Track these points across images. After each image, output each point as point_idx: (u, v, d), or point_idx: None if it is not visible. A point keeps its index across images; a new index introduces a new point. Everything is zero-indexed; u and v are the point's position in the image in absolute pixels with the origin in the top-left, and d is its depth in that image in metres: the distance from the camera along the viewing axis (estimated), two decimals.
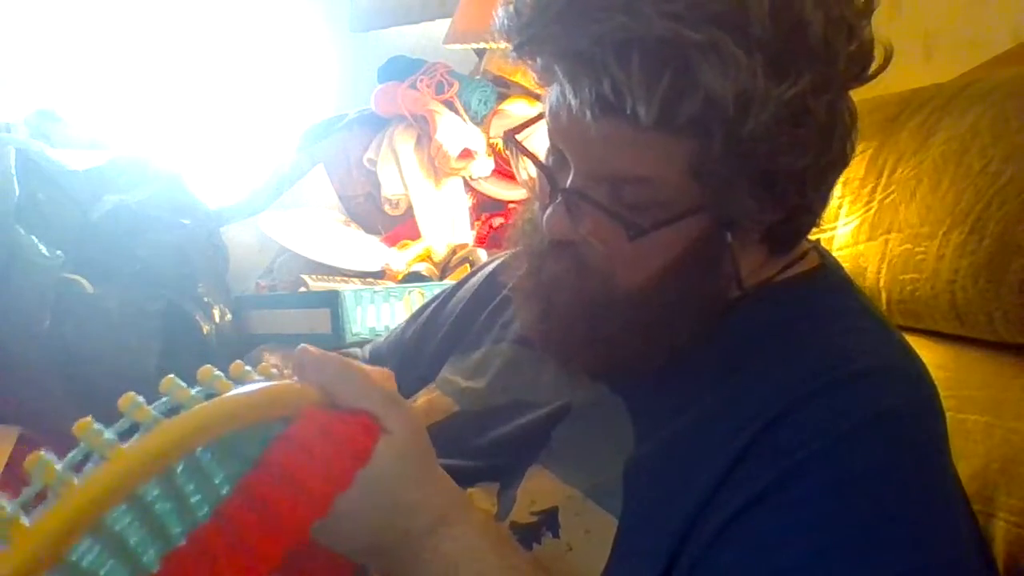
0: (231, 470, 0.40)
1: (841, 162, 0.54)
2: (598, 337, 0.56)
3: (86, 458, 0.36)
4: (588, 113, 0.49)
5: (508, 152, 0.66)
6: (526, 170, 0.61)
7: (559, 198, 0.55)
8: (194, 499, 0.39)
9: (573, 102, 0.49)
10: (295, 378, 0.44)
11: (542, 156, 0.58)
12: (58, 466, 0.35)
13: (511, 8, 0.51)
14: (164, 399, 0.39)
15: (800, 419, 0.49)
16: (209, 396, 0.40)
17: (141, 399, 0.38)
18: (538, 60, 0.52)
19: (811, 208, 0.56)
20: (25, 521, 0.33)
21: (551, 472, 0.57)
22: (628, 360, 0.56)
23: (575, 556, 0.51)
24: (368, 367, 0.67)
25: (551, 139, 0.56)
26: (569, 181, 0.54)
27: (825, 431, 0.48)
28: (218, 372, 0.41)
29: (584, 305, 0.56)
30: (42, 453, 0.36)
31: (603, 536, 0.51)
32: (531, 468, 0.58)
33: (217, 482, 0.40)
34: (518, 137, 0.62)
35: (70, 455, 0.36)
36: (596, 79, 0.47)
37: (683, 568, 0.48)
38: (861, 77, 0.52)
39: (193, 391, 0.40)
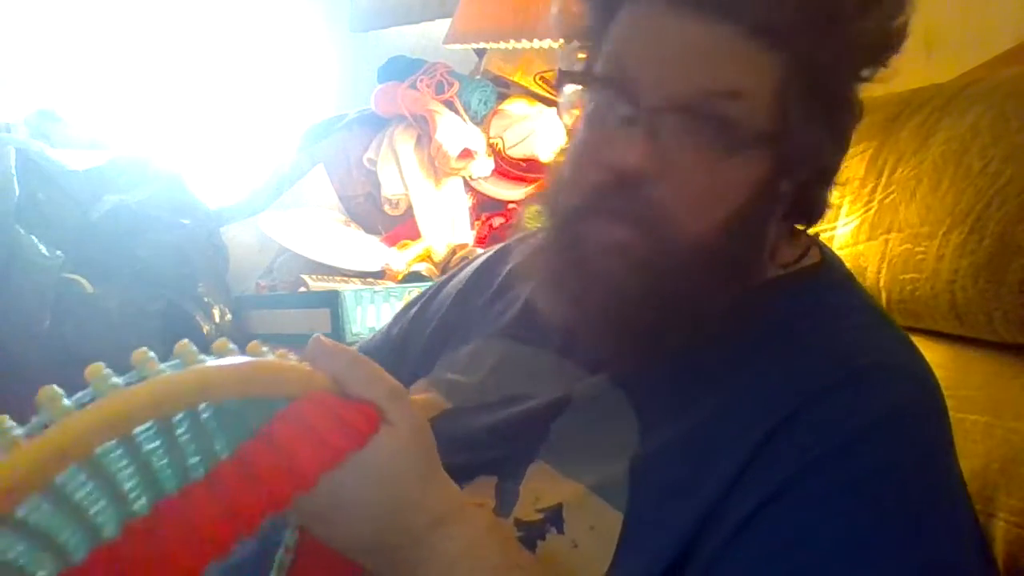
0: (232, 436, 0.40)
1: (847, 143, 0.56)
2: (654, 307, 0.51)
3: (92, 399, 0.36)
4: (687, 16, 0.48)
5: (558, 88, 0.60)
6: (568, 112, 0.58)
7: (640, 118, 0.50)
8: (192, 460, 0.39)
9: (686, 8, 0.49)
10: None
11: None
12: (66, 402, 0.36)
13: None
14: (175, 361, 0.40)
15: (814, 416, 0.49)
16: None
17: (152, 354, 0.39)
18: None
19: (831, 177, 0.56)
20: (23, 442, 0.34)
21: (552, 467, 0.56)
22: (667, 332, 0.52)
23: (580, 552, 0.51)
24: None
25: (616, 68, 0.53)
26: (649, 104, 0.50)
27: (839, 428, 0.48)
28: (233, 345, 0.42)
29: (644, 268, 0.51)
30: (54, 387, 0.36)
31: (608, 532, 0.51)
32: (532, 465, 0.57)
33: (217, 448, 0.40)
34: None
35: (77, 395, 0.37)
36: None
37: (698, 566, 0.48)
38: (885, 54, 0.53)
39: (202, 356, 0.40)
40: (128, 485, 0.37)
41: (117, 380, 0.37)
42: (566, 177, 0.56)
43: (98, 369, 0.37)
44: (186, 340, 0.40)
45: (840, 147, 0.56)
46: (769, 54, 0.49)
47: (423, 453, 0.45)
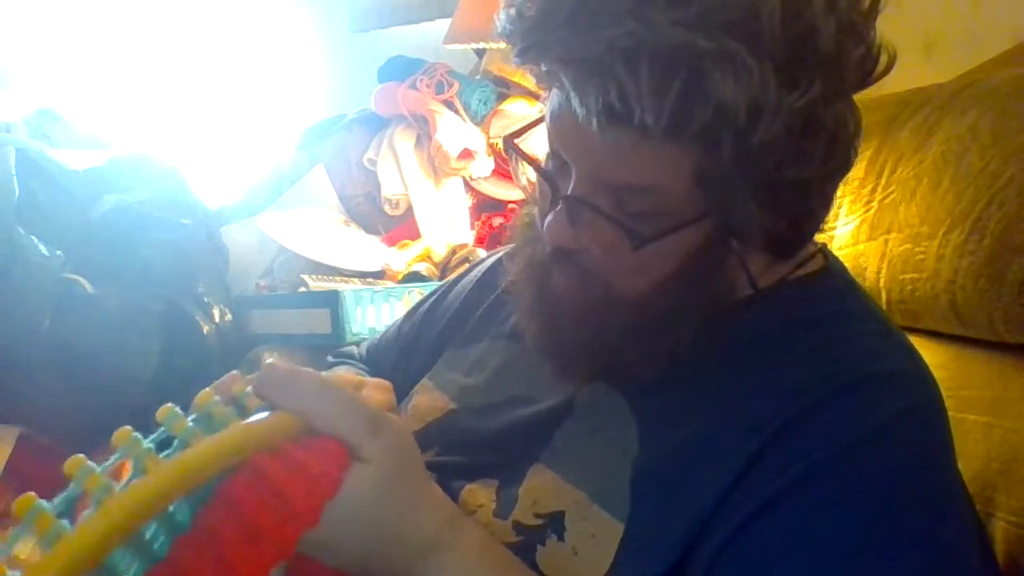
0: (191, 498, 0.38)
1: (844, 168, 0.54)
2: (601, 345, 0.55)
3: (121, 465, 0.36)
4: (594, 121, 0.48)
5: (508, 156, 0.63)
6: (525, 175, 0.60)
7: (560, 205, 0.53)
8: (148, 533, 0.37)
9: (579, 110, 0.48)
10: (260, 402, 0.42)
11: (542, 159, 0.58)
12: (100, 473, 0.35)
13: (513, 11, 0.50)
14: (194, 415, 0.39)
15: (812, 424, 0.49)
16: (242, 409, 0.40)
17: (179, 410, 0.38)
18: (542, 66, 0.50)
19: (814, 214, 0.55)
20: (67, 526, 0.33)
21: (554, 472, 0.56)
22: (630, 366, 0.55)
23: (579, 559, 0.51)
24: (368, 379, 0.67)
25: (552, 145, 0.55)
26: (571, 188, 0.53)
27: (838, 435, 0.48)
28: (216, 397, 0.41)
29: (587, 314, 0.55)
30: (83, 457, 0.35)
31: (609, 540, 0.51)
32: (533, 467, 0.57)
33: (171, 510, 0.38)
34: (517, 141, 0.61)
35: (107, 462, 0.36)
36: (603, 87, 0.46)
37: (698, 570, 0.48)
38: (867, 81, 0.52)
39: (189, 420, 0.39)
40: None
41: (149, 445, 0.36)
42: (526, 222, 0.62)
43: (127, 434, 0.36)
44: (209, 391, 0.39)
45: (815, 195, 0.53)
46: (684, 149, 0.48)
47: (404, 484, 0.44)
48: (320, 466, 0.39)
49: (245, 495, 0.37)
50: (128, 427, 0.37)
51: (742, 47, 0.44)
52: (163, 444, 0.38)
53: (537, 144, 0.60)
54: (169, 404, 0.39)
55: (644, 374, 0.55)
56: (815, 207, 0.55)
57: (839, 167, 0.53)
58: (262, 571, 0.36)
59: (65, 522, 0.34)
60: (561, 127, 0.52)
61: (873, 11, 0.51)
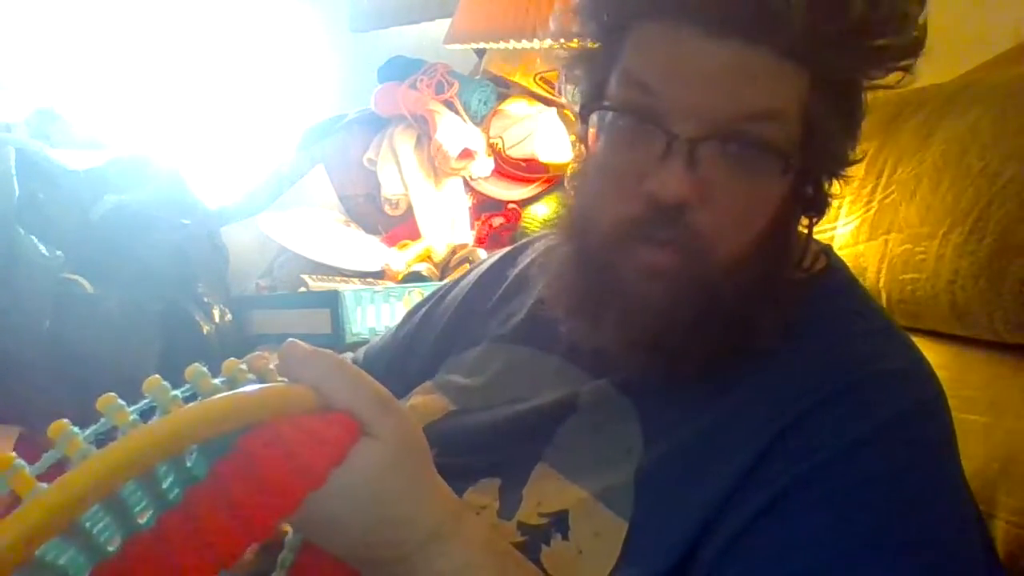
0: (205, 454, 0.39)
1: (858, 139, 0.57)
2: (704, 326, 0.51)
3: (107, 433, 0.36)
4: (722, 40, 0.48)
5: (584, 122, 0.57)
6: (582, 144, 0.57)
7: (676, 151, 0.49)
8: (166, 482, 0.38)
9: (713, 29, 0.48)
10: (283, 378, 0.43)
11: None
12: (81, 438, 0.36)
13: None
14: (186, 386, 0.39)
15: (816, 423, 0.49)
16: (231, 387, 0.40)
17: (166, 383, 0.38)
18: None
19: (841, 171, 0.57)
20: (42, 485, 0.34)
21: (558, 472, 0.56)
22: (715, 350, 0.52)
23: (584, 558, 0.51)
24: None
25: (635, 96, 0.52)
26: (687, 133, 0.49)
27: (842, 435, 0.49)
28: (243, 365, 0.42)
29: (687, 291, 0.51)
30: (66, 423, 0.36)
31: (613, 539, 0.51)
32: (537, 467, 0.57)
33: (189, 464, 0.38)
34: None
35: (92, 428, 0.37)
36: (744, 3, 0.47)
37: (702, 569, 0.48)
38: (903, 64, 0.54)
39: (216, 381, 0.40)
40: (97, 528, 0.36)
41: (132, 416, 0.37)
42: (592, 205, 0.56)
43: (111, 399, 0.37)
44: (197, 364, 0.40)
45: (854, 146, 0.57)
46: (798, 71, 0.50)
47: (412, 466, 0.43)
48: (330, 434, 0.40)
49: (261, 450, 0.37)
50: (158, 376, 0.38)
51: None
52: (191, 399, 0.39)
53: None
54: (197, 364, 0.40)
55: (720, 362, 0.53)
56: (844, 164, 0.57)
57: (856, 135, 0.56)
58: (268, 523, 0.37)
59: (92, 446, 0.35)
60: (664, 64, 0.50)
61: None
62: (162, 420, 0.36)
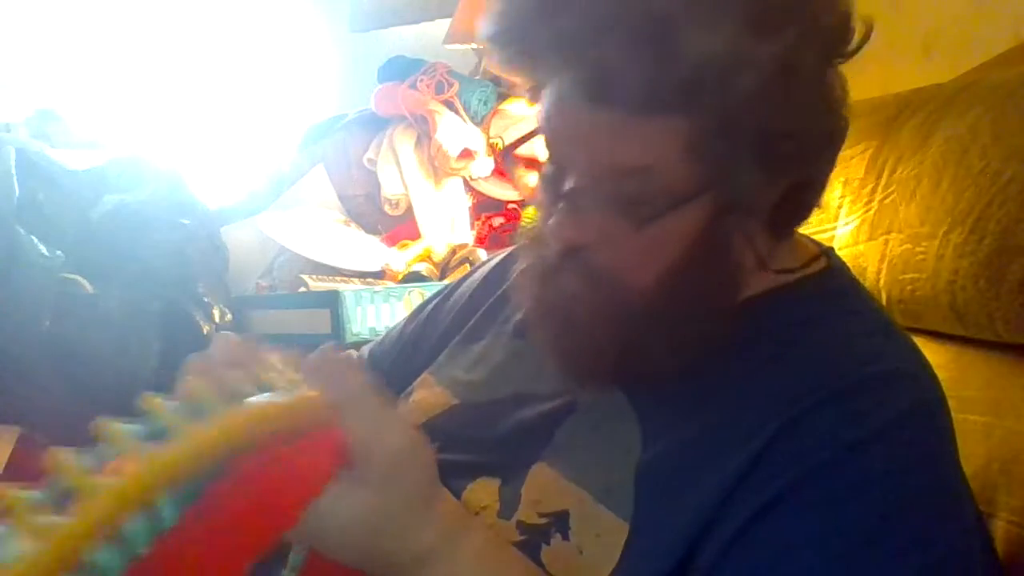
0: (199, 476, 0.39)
1: (838, 135, 0.54)
2: (617, 348, 0.54)
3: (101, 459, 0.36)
4: (578, 105, 0.49)
5: (505, 167, 0.64)
6: (527, 183, 0.61)
7: (562, 203, 0.54)
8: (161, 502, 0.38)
9: (564, 94, 0.49)
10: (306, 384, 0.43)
11: (544, 156, 0.58)
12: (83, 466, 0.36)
13: (494, 15, 0.51)
14: (178, 404, 0.39)
15: (815, 423, 0.49)
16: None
17: (166, 402, 0.39)
18: (524, 59, 0.51)
19: (813, 184, 0.55)
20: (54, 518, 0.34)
21: (557, 471, 0.56)
22: (649, 367, 0.54)
23: (585, 559, 0.51)
24: None
25: (548, 149, 0.56)
26: (570, 184, 0.53)
27: (841, 435, 0.48)
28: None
29: (599, 316, 0.54)
30: (69, 454, 0.36)
31: (613, 540, 0.51)
32: (535, 467, 0.57)
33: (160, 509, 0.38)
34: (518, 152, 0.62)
35: (92, 454, 0.37)
36: (581, 68, 0.47)
37: (703, 567, 0.48)
38: (843, 50, 0.51)
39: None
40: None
41: (133, 438, 0.37)
42: (532, 234, 0.61)
43: (117, 429, 0.37)
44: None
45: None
46: (669, 119, 0.48)
47: (412, 483, 0.44)
48: (313, 466, 0.40)
49: (227, 496, 0.38)
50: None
51: (709, 3, 0.45)
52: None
53: (541, 149, 0.60)
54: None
55: (661, 374, 0.54)
56: (813, 174, 0.55)
57: (833, 131, 0.54)
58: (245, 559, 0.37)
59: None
60: (552, 123, 0.53)
61: None
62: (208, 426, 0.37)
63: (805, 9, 0.48)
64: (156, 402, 0.38)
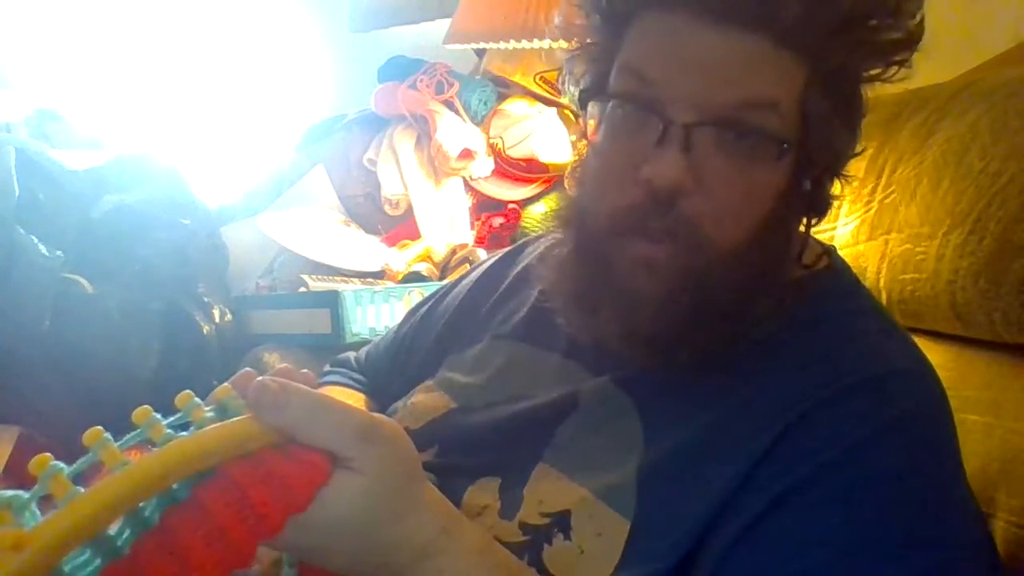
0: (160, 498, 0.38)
1: (858, 137, 0.56)
2: (692, 314, 0.51)
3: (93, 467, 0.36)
4: (722, 28, 0.48)
5: (582, 111, 0.59)
6: (584, 133, 0.58)
7: (672, 136, 0.50)
8: (122, 532, 0.37)
9: (709, 18, 0.49)
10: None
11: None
12: (66, 474, 0.35)
13: None
14: (178, 415, 0.39)
15: (819, 424, 0.49)
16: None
17: (158, 416, 0.38)
18: None
19: (841, 170, 0.57)
20: (79, 488, 0.34)
21: (558, 471, 0.56)
22: (715, 337, 0.52)
23: (586, 558, 0.51)
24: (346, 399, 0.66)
25: (635, 85, 0.52)
26: (683, 119, 0.50)
27: (844, 435, 0.48)
28: (235, 392, 0.41)
29: (679, 278, 0.51)
30: (49, 457, 0.35)
31: (615, 538, 0.51)
32: (537, 467, 0.57)
33: (148, 513, 0.38)
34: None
35: (78, 462, 0.36)
36: None
37: (706, 567, 0.48)
38: (900, 57, 0.54)
39: (207, 410, 0.40)
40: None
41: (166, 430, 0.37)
42: (591, 195, 0.56)
43: (97, 434, 0.36)
44: (189, 392, 0.40)
45: (854, 141, 0.56)
46: (795, 60, 0.50)
47: (397, 494, 0.42)
48: (294, 479, 0.39)
49: (215, 498, 0.37)
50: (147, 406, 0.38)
51: None
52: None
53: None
54: (189, 391, 0.40)
55: (726, 342, 0.53)
56: (844, 161, 0.57)
57: (855, 133, 0.56)
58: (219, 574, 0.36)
59: (79, 488, 0.35)
60: (664, 53, 0.51)
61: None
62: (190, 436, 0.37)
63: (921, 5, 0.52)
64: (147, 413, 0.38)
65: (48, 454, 0.35)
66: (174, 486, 0.38)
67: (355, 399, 0.67)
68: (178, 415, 0.39)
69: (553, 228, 0.62)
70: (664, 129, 0.50)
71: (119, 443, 0.37)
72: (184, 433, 0.38)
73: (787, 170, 0.52)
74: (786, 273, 0.56)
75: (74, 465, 0.36)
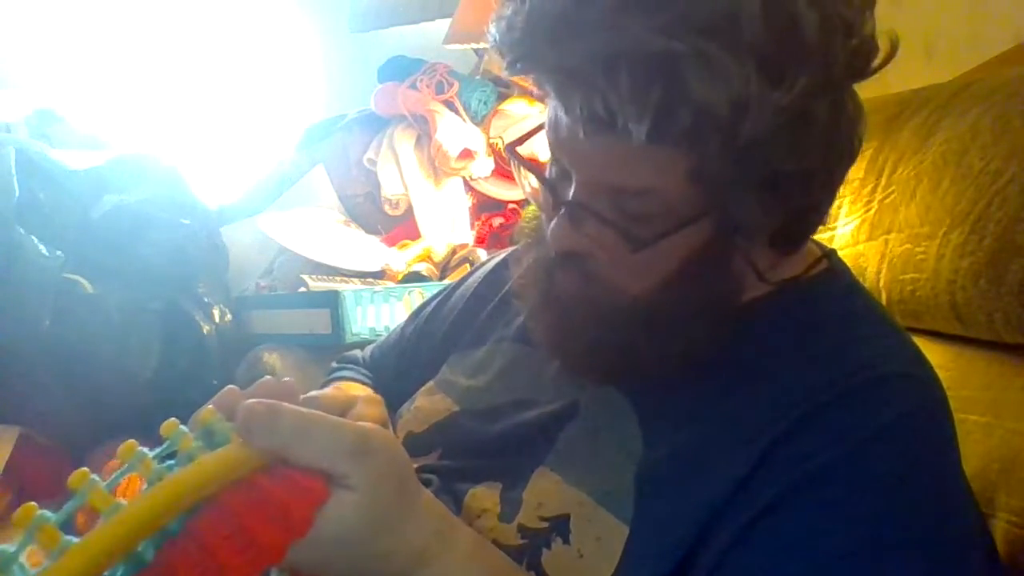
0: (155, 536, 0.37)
1: (848, 157, 0.54)
2: (612, 346, 0.55)
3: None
4: (581, 130, 0.49)
5: (510, 163, 0.63)
6: (528, 181, 0.61)
7: (562, 210, 0.54)
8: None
9: (565, 119, 0.50)
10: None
11: (544, 156, 0.58)
12: (53, 522, 0.34)
13: (503, 24, 0.51)
14: (200, 430, 0.39)
15: (818, 426, 0.49)
16: None
17: (144, 450, 0.38)
18: (531, 77, 0.51)
19: (818, 207, 0.55)
20: (71, 538, 0.33)
21: (558, 475, 0.56)
22: (644, 367, 0.55)
23: (585, 562, 0.51)
24: (360, 395, 0.65)
25: (552, 151, 0.56)
26: (571, 193, 0.53)
27: (845, 436, 0.48)
28: (220, 415, 0.41)
29: (595, 316, 0.55)
30: (34, 507, 0.34)
31: (614, 543, 0.51)
32: (537, 470, 0.57)
33: (141, 549, 0.37)
34: (518, 148, 0.62)
35: (64, 508, 0.35)
36: (586, 96, 0.47)
37: (704, 569, 0.48)
38: (864, 72, 0.51)
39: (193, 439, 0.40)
40: None
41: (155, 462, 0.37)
42: (533, 225, 0.63)
43: (84, 475, 0.36)
44: (211, 408, 0.40)
45: (817, 188, 0.53)
46: (672, 151, 0.48)
47: (392, 505, 0.42)
48: (292, 505, 0.39)
49: (212, 531, 0.37)
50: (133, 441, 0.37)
51: (721, 48, 0.44)
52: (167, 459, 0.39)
53: (541, 148, 0.61)
54: (174, 419, 0.39)
55: (659, 375, 0.55)
56: (819, 199, 0.54)
57: (841, 157, 0.53)
58: None
59: (70, 537, 0.34)
60: (557, 134, 0.53)
61: (867, 3, 0.50)
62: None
63: (822, 56, 0.47)
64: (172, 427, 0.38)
65: (33, 503, 0.34)
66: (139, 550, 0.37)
67: (368, 396, 0.67)
68: (165, 445, 0.39)
69: (527, 240, 0.65)
70: (555, 202, 0.55)
71: (106, 483, 0.36)
72: (172, 462, 0.38)
73: (699, 235, 0.52)
74: (734, 299, 0.56)
75: (60, 512, 0.35)
